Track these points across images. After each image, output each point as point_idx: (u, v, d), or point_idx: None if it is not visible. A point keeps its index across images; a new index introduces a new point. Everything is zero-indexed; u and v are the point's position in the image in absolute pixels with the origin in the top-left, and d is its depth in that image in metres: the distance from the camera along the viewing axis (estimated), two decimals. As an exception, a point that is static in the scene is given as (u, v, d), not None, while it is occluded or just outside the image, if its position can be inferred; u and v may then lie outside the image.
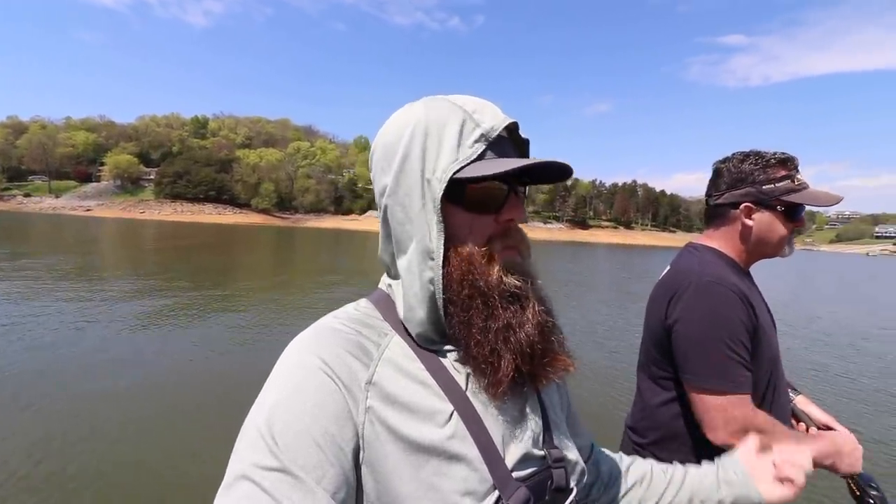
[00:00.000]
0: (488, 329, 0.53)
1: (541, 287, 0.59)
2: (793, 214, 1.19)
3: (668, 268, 1.29)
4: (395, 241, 0.58)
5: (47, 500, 2.98)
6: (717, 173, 1.28)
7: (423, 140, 0.54)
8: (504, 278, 0.54)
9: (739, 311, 1.10)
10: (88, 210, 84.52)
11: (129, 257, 18.49)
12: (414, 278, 0.55)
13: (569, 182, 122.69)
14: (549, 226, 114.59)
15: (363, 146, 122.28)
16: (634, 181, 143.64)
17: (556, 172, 0.57)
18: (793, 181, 1.18)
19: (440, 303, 0.54)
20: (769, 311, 1.25)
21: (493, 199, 0.55)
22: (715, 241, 1.28)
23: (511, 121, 0.56)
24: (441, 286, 0.53)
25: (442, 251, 0.53)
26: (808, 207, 1.20)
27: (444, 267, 0.53)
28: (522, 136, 0.59)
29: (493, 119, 0.55)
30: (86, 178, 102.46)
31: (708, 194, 1.31)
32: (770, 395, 1.17)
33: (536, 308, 0.55)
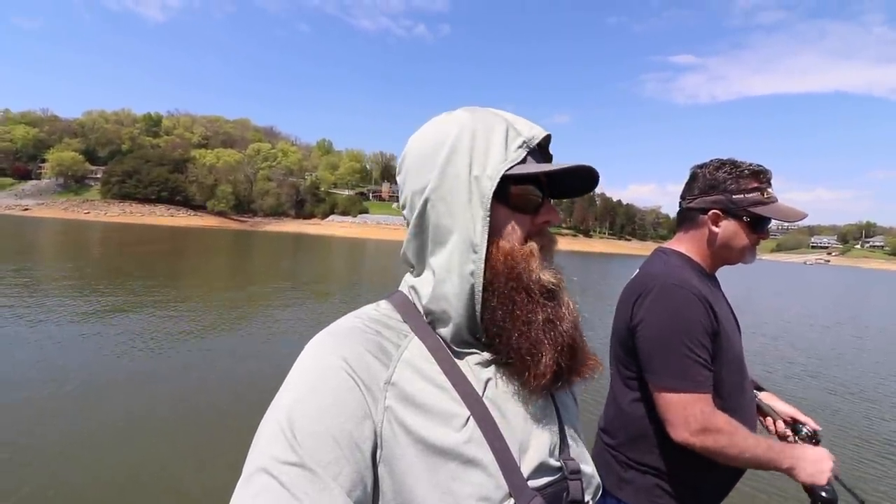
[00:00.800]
0: (531, 322, 0.54)
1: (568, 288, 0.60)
2: (757, 226, 1.23)
3: (638, 271, 1.33)
4: (433, 236, 0.59)
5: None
6: (692, 177, 1.32)
7: (470, 140, 0.57)
8: (542, 274, 0.56)
9: (700, 313, 1.14)
10: (26, 209, 78.74)
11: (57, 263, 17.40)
12: (452, 271, 0.56)
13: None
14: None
15: (326, 149, 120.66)
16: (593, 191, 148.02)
17: (582, 184, 0.63)
18: (762, 194, 1.22)
19: (479, 296, 0.55)
20: (733, 313, 1.30)
21: (532, 202, 0.59)
22: (683, 246, 1.32)
23: (547, 133, 0.61)
24: (482, 279, 0.55)
25: (486, 245, 0.55)
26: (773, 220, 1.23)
27: (486, 261, 0.55)
28: (550, 152, 0.63)
29: (531, 129, 0.59)
30: (24, 176, 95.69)
31: (682, 196, 1.35)
32: (736, 396, 1.20)
33: (571, 305, 0.58)
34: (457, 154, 0.57)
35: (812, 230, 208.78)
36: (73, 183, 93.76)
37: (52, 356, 5.74)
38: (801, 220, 1.23)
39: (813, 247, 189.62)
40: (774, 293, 23.82)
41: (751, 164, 1.25)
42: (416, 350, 0.56)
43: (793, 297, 22.83)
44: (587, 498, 0.58)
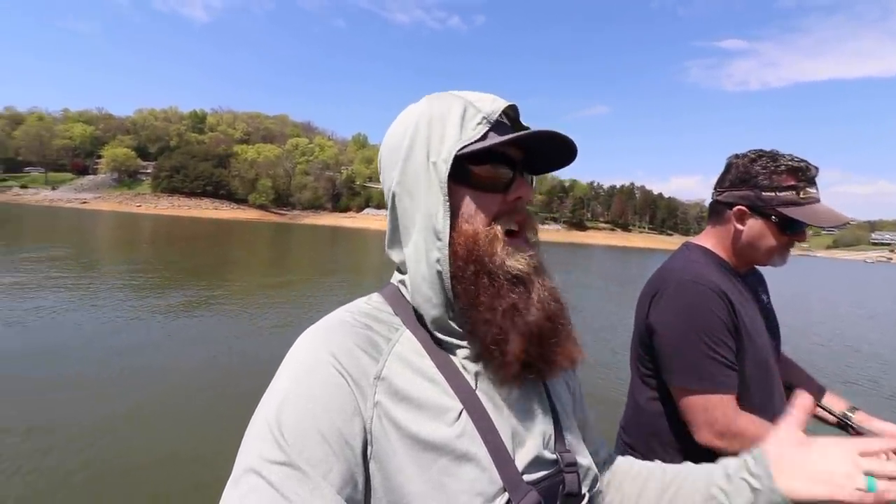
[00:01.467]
0: (495, 308, 0.52)
1: (548, 272, 0.59)
2: (788, 227, 1.14)
3: (656, 270, 1.29)
4: (403, 228, 0.58)
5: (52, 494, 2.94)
6: (727, 167, 1.25)
7: (427, 129, 0.56)
8: (507, 260, 0.54)
9: (718, 308, 1.09)
10: (84, 202, 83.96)
11: (128, 251, 18.31)
12: (421, 260, 0.55)
13: (566, 183, 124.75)
14: (546, 227, 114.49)
15: (361, 143, 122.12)
16: (632, 183, 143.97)
17: (561, 154, 0.59)
18: (798, 193, 1.11)
19: (448, 283, 0.54)
20: (770, 315, 1.24)
21: (500, 180, 0.56)
22: (709, 241, 1.27)
23: (510, 103, 0.58)
24: (448, 265, 0.53)
25: (448, 231, 0.53)
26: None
27: (450, 247, 0.54)
28: (524, 123, 0.60)
29: (493, 103, 0.57)
30: (82, 171, 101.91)
31: (715, 187, 1.28)
32: (762, 398, 1.14)
33: (542, 293, 0.55)
34: (415, 145, 0.56)
35: (873, 225, 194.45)
36: (126, 177, 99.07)
37: (108, 335, 6.03)
38: (838, 225, 1.13)
39: (873, 243, 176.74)
40: (831, 293, 22.29)
41: (791, 159, 1.14)
42: (407, 343, 0.55)
43: (851, 296, 21.29)
44: (584, 490, 0.57)
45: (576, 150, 0.57)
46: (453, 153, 0.53)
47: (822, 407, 1.28)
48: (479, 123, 0.55)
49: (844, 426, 1.23)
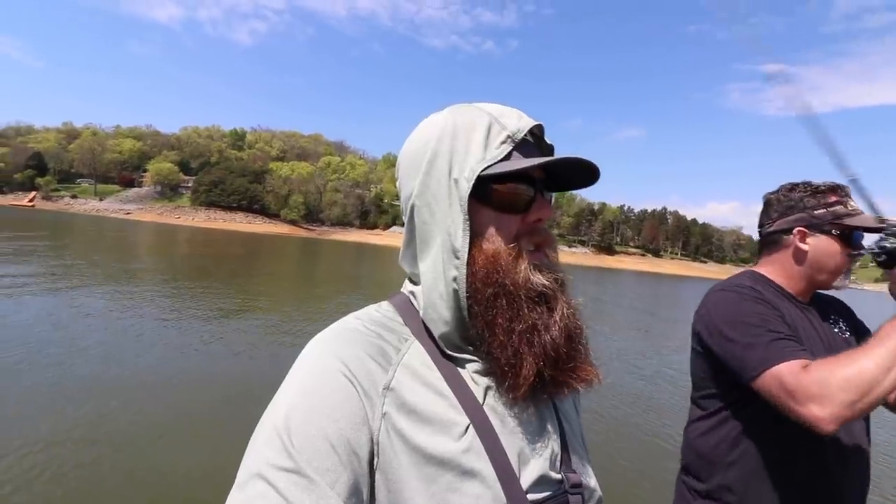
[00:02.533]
0: (512, 330, 0.51)
1: (570, 290, 0.57)
2: (849, 239, 1.14)
3: None
4: (420, 242, 0.58)
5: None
6: (767, 203, 1.28)
7: (450, 142, 0.55)
8: (531, 277, 0.53)
9: (753, 299, 1.10)
10: (128, 213, 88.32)
11: (169, 259, 18.93)
12: (438, 277, 0.55)
13: (595, 206, 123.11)
14: (573, 249, 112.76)
15: (391, 162, 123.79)
16: (665, 208, 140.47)
17: (583, 176, 0.58)
18: (845, 206, 1.15)
19: (464, 302, 0.53)
20: (838, 342, 1.18)
21: (520, 200, 0.55)
22: (765, 268, 1.26)
23: (536, 123, 0.57)
24: (465, 285, 0.53)
25: (467, 249, 0.53)
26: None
27: (468, 266, 0.53)
28: (548, 141, 0.60)
29: (519, 121, 0.56)
30: (129, 184, 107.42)
31: (760, 225, 1.29)
32: None
33: (565, 311, 0.54)
34: (438, 157, 0.55)
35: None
36: (168, 191, 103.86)
37: (139, 335, 6.09)
38: (893, 226, 1.10)
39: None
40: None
41: (825, 181, 1.19)
42: (416, 355, 0.55)
43: None
44: None
45: (598, 174, 0.56)
46: (477, 172, 0.53)
47: None
48: (503, 142, 0.54)
49: None
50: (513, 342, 0.51)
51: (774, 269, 1.24)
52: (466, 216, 0.53)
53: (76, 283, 10.43)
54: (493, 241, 0.54)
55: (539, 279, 0.53)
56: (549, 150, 0.60)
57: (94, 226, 42.73)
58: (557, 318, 0.53)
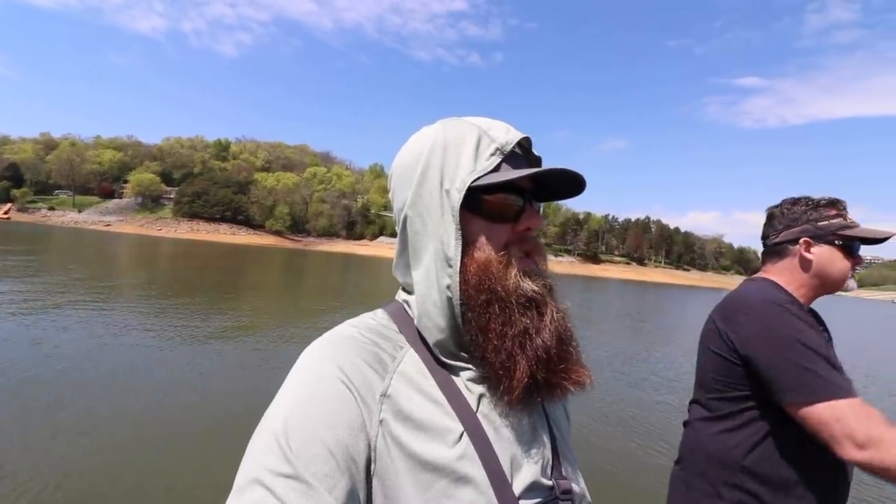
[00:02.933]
0: (505, 335, 0.53)
1: (559, 295, 0.59)
2: (850, 249, 1.24)
3: (725, 297, 1.32)
4: (413, 251, 0.59)
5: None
6: (770, 217, 1.35)
7: (441, 154, 0.57)
8: (521, 283, 0.54)
9: (801, 318, 1.13)
10: (108, 225, 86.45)
11: (144, 272, 18.50)
12: (431, 286, 0.56)
13: (581, 216, 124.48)
14: (559, 259, 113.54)
15: (378, 173, 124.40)
16: (648, 217, 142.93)
17: (570, 186, 0.60)
18: (844, 219, 1.25)
19: (457, 309, 0.54)
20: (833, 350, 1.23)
21: (510, 210, 0.57)
22: (773, 275, 1.31)
23: (523, 136, 0.59)
24: (458, 293, 0.54)
25: (459, 258, 0.54)
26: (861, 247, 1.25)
27: (460, 274, 0.54)
28: (535, 153, 0.62)
29: (507, 134, 0.58)
30: (109, 195, 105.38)
31: (764, 236, 1.36)
32: None
33: (554, 315, 0.55)
34: (430, 169, 0.57)
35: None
36: (150, 202, 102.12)
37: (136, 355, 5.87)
38: (889, 238, 1.24)
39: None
40: (862, 332, 21.30)
41: (824, 196, 1.29)
42: (411, 362, 0.56)
43: (882, 338, 20.27)
44: None
45: (584, 185, 0.58)
46: (467, 183, 0.54)
47: None
48: (492, 154, 0.56)
49: None
50: (506, 346, 0.52)
51: (783, 277, 1.29)
52: (458, 226, 0.54)
53: (55, 299, 10.09)
54: (484, 250, 0.56)
55: (528, 285, 0.55)
56: (537, 161, 0.62)
57: (73, 238, 41.71)
58: (548, 322, 0.54)
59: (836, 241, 1.23)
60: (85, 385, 5.15)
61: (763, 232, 1.38)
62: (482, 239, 0.56)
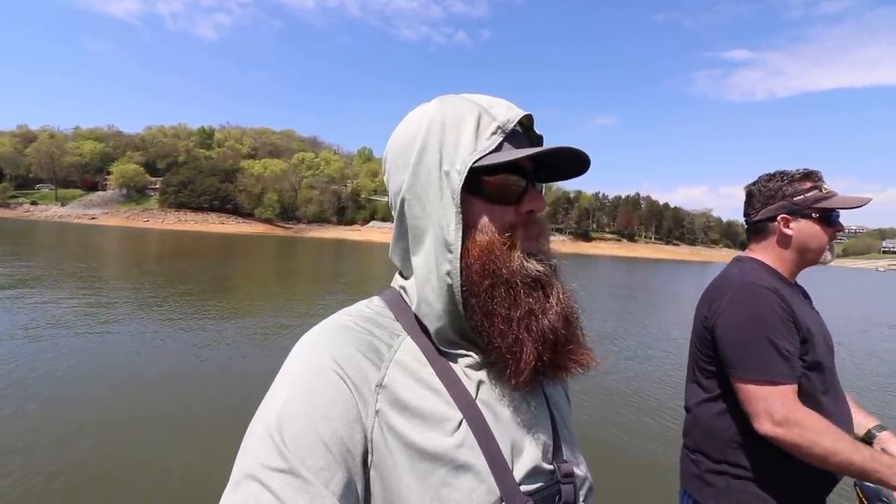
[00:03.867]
0: (511, 318, 0.52)
1: (563, 276, 0.58)
2: (829, 220, 1.26)
3: (713, 279, 1.38)
4: (412, 236, 0.57)
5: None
6: (749, 195, 1.38)
7: (440, 133, 0.54)
8: (525, 263, 0.53)
9: (777, 306, 1.17)
10: (93, 218, 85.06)
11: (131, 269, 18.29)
12: (431, 272, 0.54)
13: (571, 194, 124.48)
14: (551, 238, 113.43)
15: (367, 157, 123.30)
16: (638, 194, 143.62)
17: (573, 166, 0.58)
18: (820, 190, 1.26)
19: (458, 296, 0.53)
20: (821, 324, 1.29)
21: (512, 191, 0.55)
22: (758, 254, 1.35)
23: (525, 113, 0.57)
24: (459, 279, 0.53)
25: (460, 243, 0.52)
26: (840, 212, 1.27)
27: (462, 259, 0.53)
28: (537, 132, 0.59)
29: (508, 112, 0.55)
30: (92, 187, 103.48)
31: (745, 214, 1.40)
32: (827, 401, 1.19)
33: (561, 295, 0.54)
34: (427, 150, 0.54)
35: (883, 233, 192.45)
36: (135, 193, 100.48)
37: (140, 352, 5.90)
38: (865, 204, 1.26)
39: (884, 252, 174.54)
40: (845, 299, 21.79)
41: (798, 169, 1.30)
42: (408, 351, 0.55)
43: (866, 304, 20.77)
44: (580, 501, 0.57)
45: (589, 164, 0.56)
46: (468, 164, 0.52)
47: None
48: (493, 133, 0.53)
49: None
50: (513, 329, 0.51)
51: (767, 254, 1.33)
52: (459, 209, 0.52)
53: (45, 295, 9.98)
54: (487, 233, 0.54)
55: (533, 266, 0.53)
56: (539, 140, 0.60)
57: (57, 232, 40.99)
58: (554, 303, 0.53)
59: (814, 214, 1.26)
60: (85, 377, 5.16)
61: (744, 210, 1.40)
62: (484, 221, 0.54)
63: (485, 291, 0.52)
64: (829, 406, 1.18)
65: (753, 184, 1.37)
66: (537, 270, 0.53)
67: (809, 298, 1.38)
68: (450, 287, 0.53)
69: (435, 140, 0.54)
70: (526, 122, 0.58)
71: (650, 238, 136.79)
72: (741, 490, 1.21)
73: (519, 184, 0.55)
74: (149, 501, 3.10)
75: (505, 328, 0.52)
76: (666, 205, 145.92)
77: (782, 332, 1.14)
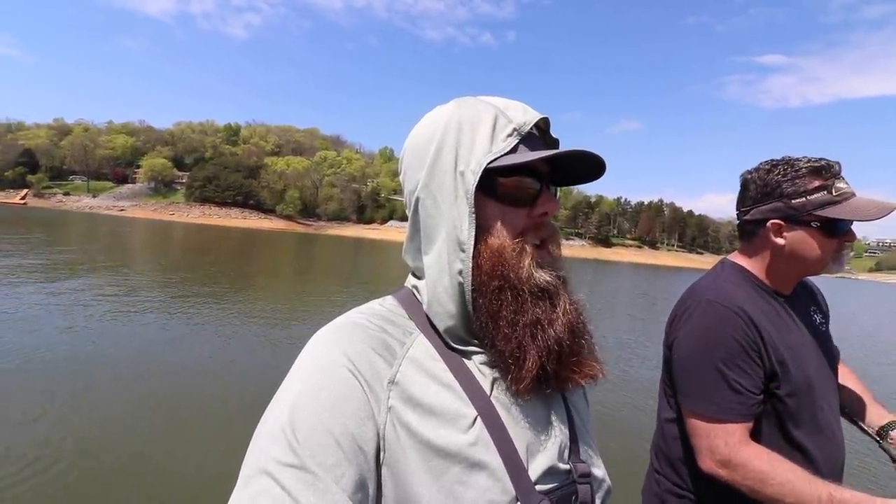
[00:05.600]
0: (516, 323, 0.51)
1: (573, 287, 0.57)
2: (832, 230, 1.04)
3: (690, 285, 1.23)
4: (425, 235, 0.57)
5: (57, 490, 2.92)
6: (744, 185, 1.17)
7: (456, 134, 0.55)
8: (535, 273, 0.53)
9: (738, 332, 1.03)
10: (122, 210, 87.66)
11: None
12: (443, 270, 0.54)
13: (592, 199, 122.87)
14: (570, 242, 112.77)
15: (388, 157, 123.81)
16: (661, 200, 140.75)
17: (589, 170, 0.58)
18: (829, 192, 1.02)
19: (468, 295, 0.53)
20: (821, 335, 1.16)
21: (526, 193, 0.55)
22: (744, 259, 1.18)
23: (541, 116, 0.57)
24: (470, 278, 0.53)
25: (472, 243, 0.53)
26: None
27: (473, 259, 0.53)
28: (553, 135, 0.59)
29: (525, 115, 0.55)
30: (122, 180, 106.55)
31: (737, 208, 1.19)
32: (804, 433, 1.05)
33: (567, 306, 0.54)
34: (443, 150, 0.55)
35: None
36: (162, 187, 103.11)
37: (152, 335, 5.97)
38: (885, 214, 1.00)
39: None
40: (878, 315, 20.84)
41: (809, 160, 1.06)
42: (421, 348, 0.54)
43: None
44: (597, 501, 0.57)
45: (605, 168, 0.56)
46: (483, 165, 0.52)
47: (851, 419, 1.23)
48: (509, 135, 0.54)
49: (879, 441, 1.18)
50: (517, 334, 0.51)
51: (753, 262, 1.15)
52: (473, 209, 0.52)
53: (76, 283, 10.22)
54: (499, 235, 0.54)
55: (542, 276, 0.53)
56: (555, 143, 0.60)
57: (88, 223, 42.38)
58: (560, 314, 0.53)
59: (813, 223, 1.04)
60: (108, 363, 5.20)
61: (737, 202, 1.19)
62: (497, 223, 0.54)
63: (492, 293, 0.52)
64: (803, 438, 1.05)
65: (752, 171, 1.14)
66: (546, 280, 0.53)
67: (817, 303, 1.23)
68: (461, 286, 0.53)
69: (451, 140, 0.55)
70: (542, 126, 0.58)
71: (672, 246, 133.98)
72: None
73: (533, 186, 0.55)
74: (161, 493, 3.06)
75: (509, 332, 0.51)
76: (690, 212, 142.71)
77: (737, 364, 1.02)
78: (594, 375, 0.55)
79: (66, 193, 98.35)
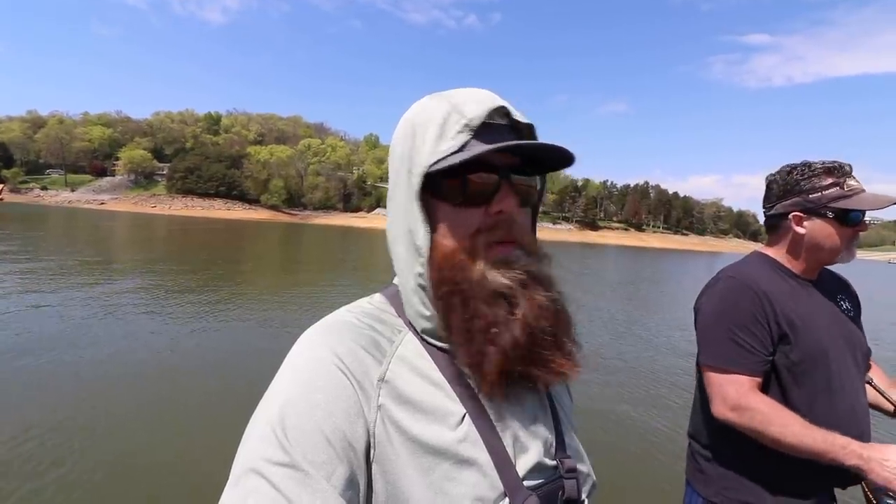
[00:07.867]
0: (469, 329, 0.51)
1: (546, 282, 0.54)
2: (846, 220, 1.20)
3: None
4: (392, 238, 0.58)
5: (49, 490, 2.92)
6: (768, 186, 1.35)
7: (410, 138, 0.55)
8: (487, 275, 0.51)
9: (749, 300, 1.20)
10: (102, 203, 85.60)
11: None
12: (409, 273, 0.55)
13: (579, 182, 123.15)
14: (557, 226, 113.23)
15: (373, 143, 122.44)
16: (647, 182, 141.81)
17: (556, 159, 0.55)
18: (841, 187, 1.20)
19: (430, 299, 0.54)
20: (844, 320, 1.28)
21: (481, 191, 0.53)
22: (771, 250, 1.35)
23: (497, 105, 0.54)
24: (428, 282, 0.53)
25: (428, 246, 0.52)
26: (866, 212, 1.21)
27: (429, 263, 0.53)
28: (522, 120, 0.56)
29: (478, 107, 0.53)
30: (101, 173, 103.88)
31: (763, 206, 1.38)
32: (818, 395, 1.18)
33: (528, 307, 0.51)
34: (396, 153, 0.56)
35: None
36: (143, 179, 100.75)
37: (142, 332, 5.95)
38: (887, 206, 1.19)
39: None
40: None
41: (823, 162, 1.24)
42: (410, 346, 0.54)
43: (875, 296, 20.49)
44: (583, 496, 0.58)
45: (570, 156, 0.53)
46: (425, 167, 0.52)
47: (878, 389, 1.32)
48: (459, 132, 0.52)
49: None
50: (474, 340, 0.51)
51: (779, 250, 1.32)
52: (422, 213, 0.52)
53: (58, 281, 10.07)
54: (449, 239, 0.53)
55: (496, 278, 0.51)
56: (528, 128, 0.57)
57: (69, 218, 41.41)
58: (520, 315, 0.51)
59: (829, 214, 1.21)
60: (94, 361, 5.22)
61: (763, 201, 1.38)
62: (446, 226, 0.53)
63: (443, 298, 0.52)
64: (813, 400, 1.18)
65: (774, 174, 1.34)
66: (501, 283, 0.51)
67: (848, 293, 1.36)
68: (423, 287, 0.54)
69: (407, 144, 0.55)
70: (505, 112, 0.55)
71: (658, 227, 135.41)
72: (733, 478, 1.24)
73: (486, 182, 0.53)
74: (151, 491, 3.10)
75: (463, 338, 0.51)
76: (675, 194, 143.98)
77: (746, 327, 1.18)
78: (565, 374, 0.53)
79: (44, 188, 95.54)
